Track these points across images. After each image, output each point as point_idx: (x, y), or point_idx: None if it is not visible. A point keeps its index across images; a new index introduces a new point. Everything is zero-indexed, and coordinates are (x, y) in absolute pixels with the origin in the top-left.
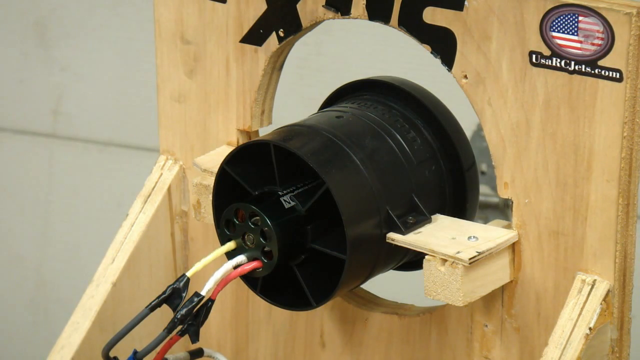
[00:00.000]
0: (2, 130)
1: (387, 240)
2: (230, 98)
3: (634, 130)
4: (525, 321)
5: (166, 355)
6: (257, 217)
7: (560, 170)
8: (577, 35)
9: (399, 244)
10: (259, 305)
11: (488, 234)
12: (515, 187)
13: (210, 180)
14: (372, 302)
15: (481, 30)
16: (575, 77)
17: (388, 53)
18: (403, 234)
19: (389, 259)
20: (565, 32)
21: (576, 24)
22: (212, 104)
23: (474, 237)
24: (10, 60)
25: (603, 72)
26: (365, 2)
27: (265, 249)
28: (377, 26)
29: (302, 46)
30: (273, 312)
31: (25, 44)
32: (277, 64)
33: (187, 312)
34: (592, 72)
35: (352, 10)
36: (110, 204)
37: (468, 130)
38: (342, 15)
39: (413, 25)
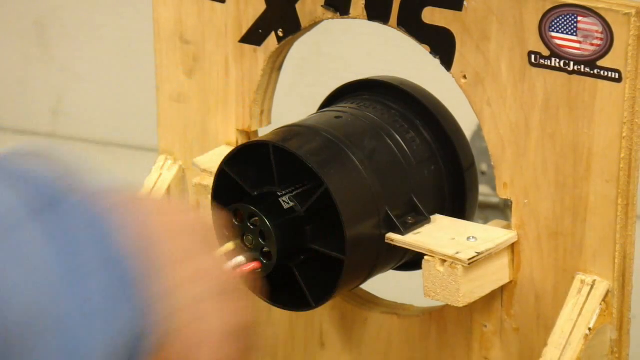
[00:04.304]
0: (2, 130)
1: (386, 241)
2: (230, 98)
3: (633, 131)
4: (525, 322)
5: None
6: (256, 218)
7: (559, 170)
8: (576, 35)
9: (398, 245)
10: (259, 305)
11: (487, 235)
12: (515, 188)
13: (210, 181)
14: (372, 302)
15: (480, 30)
16: (575, 77)
17: (388, 53)
18: (402, 234)
19: (388, 260)
20: (565, 32)
21: (575, 24)
22: (212, 104)
23: (473, 237)
24: (10, 60)
25: (602, 72)
26: (364, 2)
27: (265, 250)
28: (377, 26)
29: (301, 46)
30: (273, 312)
31: (25, 44)
32: (276, 64)
33: None
34: (591, 72)
35: (351, 11)
36: None
37: (468, 130)
38: (341, 15)
39: (412, 25)
